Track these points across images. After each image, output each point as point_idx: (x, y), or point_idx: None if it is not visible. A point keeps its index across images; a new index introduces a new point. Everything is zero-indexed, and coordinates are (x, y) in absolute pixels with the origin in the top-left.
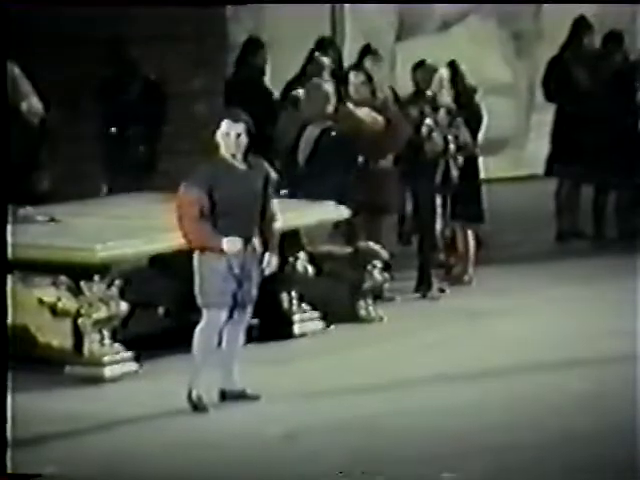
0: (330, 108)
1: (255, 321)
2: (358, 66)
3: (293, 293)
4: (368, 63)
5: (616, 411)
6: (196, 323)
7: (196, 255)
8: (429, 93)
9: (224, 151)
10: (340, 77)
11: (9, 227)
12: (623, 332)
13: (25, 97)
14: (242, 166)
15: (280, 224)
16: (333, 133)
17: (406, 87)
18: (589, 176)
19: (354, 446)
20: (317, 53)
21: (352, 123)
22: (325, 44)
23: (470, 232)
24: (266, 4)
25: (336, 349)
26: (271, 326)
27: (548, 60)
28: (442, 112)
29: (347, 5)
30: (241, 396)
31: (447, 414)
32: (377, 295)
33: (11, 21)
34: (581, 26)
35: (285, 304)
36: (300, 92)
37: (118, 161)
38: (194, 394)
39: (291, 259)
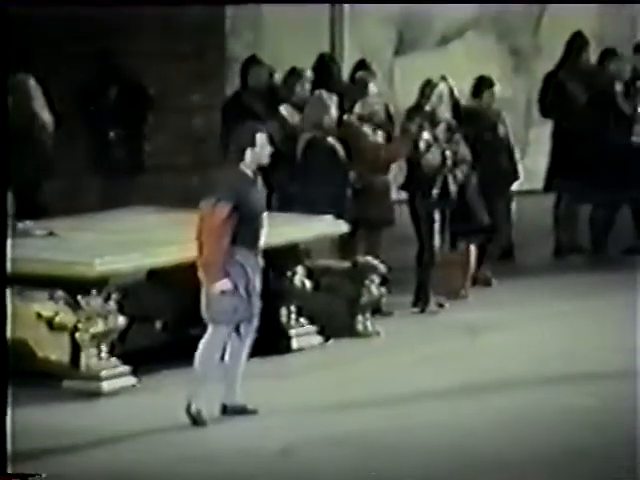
0: (328, 120)
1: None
2: (353, 79)
3: (291, 308)
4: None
5: (616, 426)
6: (194, 337)
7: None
8: (428, 108)
9: (247, 164)
10: (341, 91)
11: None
12: (622, 347)
13: (39, 111)
14: (255, 179)
15: (279, 238)
16: (319, 142)
17: (404, 101)
18: (587, 191)
19: (351, 461)
20: (299, 68)
21: (353, 137)
22: (326, 59)
23: (472, 247)
24: (265, 17)
25: (334, 364)
26: (269, 340)
27: (544, 76)
28: (441, 127)
29: (346, 19)
30: (241, 411)
31: (446, 429)
32: (375, 309)
33: (13, 32)
34: (577, 42)
35: (283, 319)
36: (283, 109)
37: (116, 174)
38: (193, 408)
39: (289, 273)
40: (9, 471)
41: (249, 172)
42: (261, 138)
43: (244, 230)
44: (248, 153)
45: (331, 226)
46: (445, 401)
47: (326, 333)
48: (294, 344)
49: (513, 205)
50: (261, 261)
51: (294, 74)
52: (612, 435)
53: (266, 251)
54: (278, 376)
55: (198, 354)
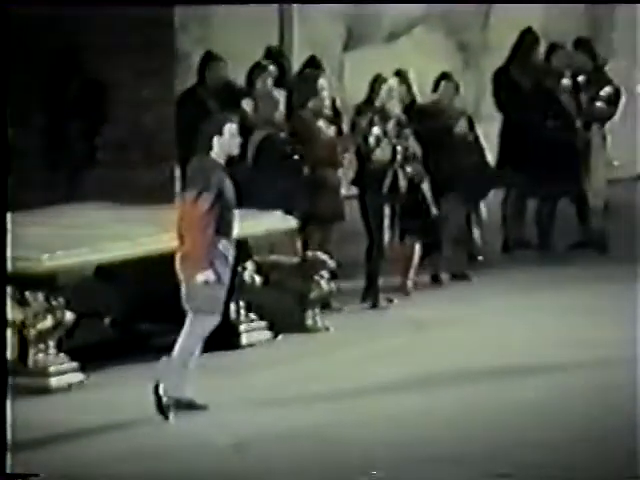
0: (278, 115)
1: None
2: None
3: (240, 303)
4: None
5: (563, 420)
6: (143, 333)
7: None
8: (377, 103)
9: (217, 153)
10: (291, 86)
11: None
12: (569, 340)
13: None
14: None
15: None
16: (274, 139)
17: (355, 96)
18: (534, 186)
19: (302, 456)
20: (265, 61)
21: (306, 132)
22: (273, 53)
23: (417, 244)
24: (215, 12)
25: (283, 359)
26: (218, 336)
27: (494, 71)
28: (391, 122)
29: (295, 14)
30: (189, 405)
31: (395, 424)
32: (325, 305)
33: None
34: (528, 38)
35: (232, 314)
36: (244, 103)
37: (66, 168)
38: (161, 389)
39: (238, 269)
40: None
41: (220, 159)
42: (230, 128)
43: (223, 221)
44: (215, 142)
45: (280, 221)
46: (395, 395)
47: (275, 328)
48: (243, 340)
49: (482, 207)
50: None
51: (257, 69)
52: (557, 428)
53: None
54: (228, 372)
55: (180, 343)
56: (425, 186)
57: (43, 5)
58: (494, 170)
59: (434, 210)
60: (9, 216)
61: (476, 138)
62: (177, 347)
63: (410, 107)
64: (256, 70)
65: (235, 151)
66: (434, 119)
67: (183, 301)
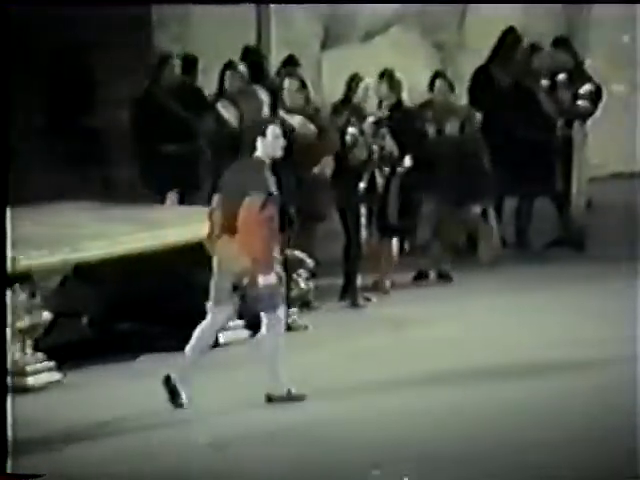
0: (264, 115)
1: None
2: (288, 74)
3: None
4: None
5: (545, 420)
6: (120, 332)
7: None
8: (355, 102)
9: (262, 156)
10: (271, 85)
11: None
12: (549, 341)
13: None
14: None
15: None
16: None
17: (332, 96)
18: (513, 184)
19: (281, 456)
20: (236, 60)
21: (286, 131)
22: (251, 52)
23: (394, 242)
24: (192, 10)
25: (261, 358)
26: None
27: (475, 69)
28: (368, 122)
29: (273, 14)
30: (174, 394)
31: (373, 423)
32: (304, 303)
33: None
34: (510, 37)
35: None
36: (219, 105)
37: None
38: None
39: None
40: None
41: (267, 160)
42: (274, 130)
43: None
44: (259, 144)
45: None
46: (374, 395)
47: (253, 327)
48: (221, 338)
49: (475, 209)
50: None
51: (227, 68)
52: (537, 427)
53: (196, 245)
54: (205, 370)
55: (271, 341)
56: (394, 186)
57: (43, 5)
58: (489, 173)
59: (394, 213)
60: None
61: (472, 139)
62: (269, 346)
63: (396, 107)
64: (225, 69)
65: (278, 153)
66: (419, 120)
67: (257, 302)
